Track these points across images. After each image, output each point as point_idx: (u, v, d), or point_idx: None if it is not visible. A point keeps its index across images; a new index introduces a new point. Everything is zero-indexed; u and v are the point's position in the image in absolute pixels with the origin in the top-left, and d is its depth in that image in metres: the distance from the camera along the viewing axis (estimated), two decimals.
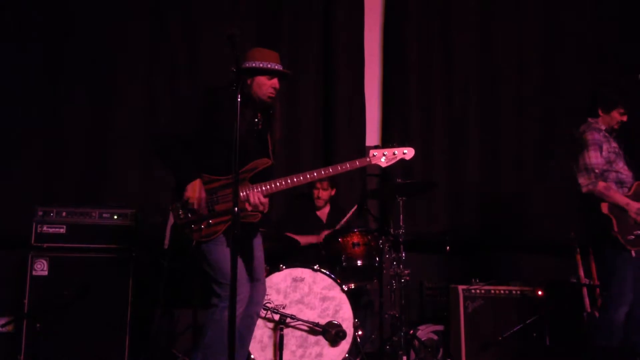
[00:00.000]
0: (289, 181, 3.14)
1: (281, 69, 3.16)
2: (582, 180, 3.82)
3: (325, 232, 4.34)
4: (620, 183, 3.83)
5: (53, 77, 4.79)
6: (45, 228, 4.10)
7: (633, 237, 3.69)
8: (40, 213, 4.12)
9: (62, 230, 4.12)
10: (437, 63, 5.61)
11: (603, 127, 3.90)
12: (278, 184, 3.12)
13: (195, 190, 2.99)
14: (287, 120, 5.11)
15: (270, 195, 3.16)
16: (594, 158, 3.80)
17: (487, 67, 5.67)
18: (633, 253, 3.68)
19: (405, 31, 5.55)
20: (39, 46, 4.78)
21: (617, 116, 3.87)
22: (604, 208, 3.77)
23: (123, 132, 4.86)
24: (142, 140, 4.84)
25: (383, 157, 3.27)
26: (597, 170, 3.78)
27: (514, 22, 5.76)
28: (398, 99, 5.51)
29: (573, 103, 5.53)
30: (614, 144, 3.87)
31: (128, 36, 4.95)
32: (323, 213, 4.69)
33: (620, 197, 3.76)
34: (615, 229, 3.70)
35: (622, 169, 3.83)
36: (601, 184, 3.77)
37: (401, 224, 4.25)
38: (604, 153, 3.81)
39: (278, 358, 3.70)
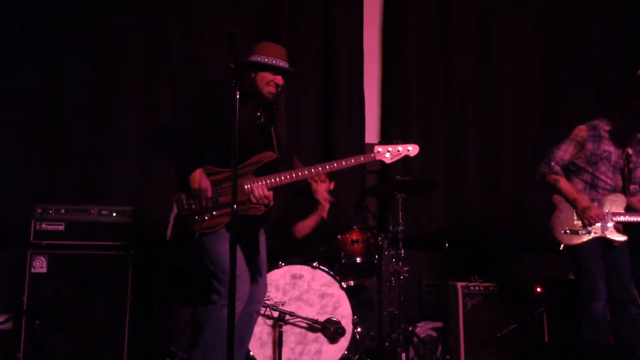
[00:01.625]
0: (293, 175, 3.13)
1: (287, 66, 3.14)
2: (540, 167, 3.84)
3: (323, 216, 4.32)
4: (592, 186, 3.76)
5: (53, 76, 4.79)
6: (44, 225, 4.10)
7: (564, 232, 3.68)
8: (39, 210, 4.11)
9: (61, 228, 4.11)
10: (437, 62, 5.62)
11: (607, 128, 3.79)
12: (282, 177, 3.11)
13: (198, 181, 2.98)
14: (287, 118, 5.11)
15: (274, 189, 3.15)
16: (562, 151, 3.79)
17: (486, 66, 5.69)
18: (561, 247, 3.68)
19: (405, 30, 5.56)
20: (39, 45, 4.78)
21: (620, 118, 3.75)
22: (554, 199, 3.79)
23: (122, 130, 4.86)
24: (141, 139, 4.84)
25: (388, 153, 3.24)
26: (553, 163, 3.77)
27: (513, 22, 5.79)
28: (397, 98, 5.51)
29: (573, 101, 5.56)
30: (606, 147, 3.75)
31: (128, 35, 4.95)
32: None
33: (569, 191, 3.71)
34: (552, 218, 3.72)
35: (602, 175, 3.74)
36: (551, 176, 3.77)
37: (400, 221, 4.26)
38: (585, 152, 3.75)
39: (277, 355, 3.69)
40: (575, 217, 3.70)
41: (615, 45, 5.81)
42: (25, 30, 4.76)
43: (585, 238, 3.68)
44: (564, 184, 3.76)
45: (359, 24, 5.51)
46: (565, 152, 3.79)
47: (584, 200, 3.70)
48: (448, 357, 4.41)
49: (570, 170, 3.82)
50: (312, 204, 4.39)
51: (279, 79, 3.13)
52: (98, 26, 4.89)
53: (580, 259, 3.69)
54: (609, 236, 3.69)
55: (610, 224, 3.69)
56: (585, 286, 3.67)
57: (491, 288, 4.51)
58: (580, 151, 3.78)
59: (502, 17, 5.77)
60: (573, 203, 3.71)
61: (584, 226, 3.68)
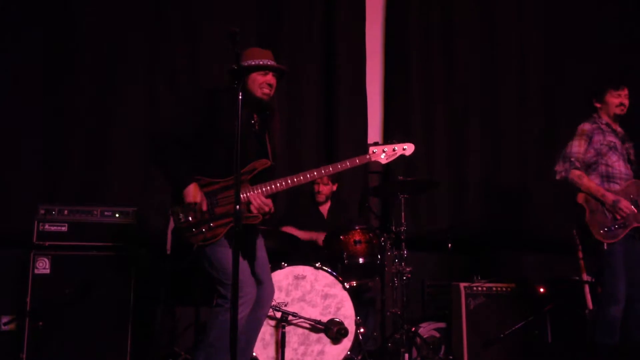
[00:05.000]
0: (289, 181, 3.12)
1: (274, 64, 3.15)
2: (558, 167, 3.84)
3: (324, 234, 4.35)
4: (608, 177, 3.78)
5: (53, 77, 4.79)
6: (47, 226, 4.09)
7: (603, 231, 3.65)
8: (42, 211, 4.11)
9: (64, 229, 4.11)
10: (438, 61, 5.62)
11: (604, 120, 3.87)
12: (278, 184, 3.11)
13: (195, 196, 2.97)
14: (289, 119, 5.12)
15: (272, 195, 3.14)
16: (575, 147, 3.81)
17: (488, 64, 5.69)
18: (605, 246, 3.64)
19: (407, 29, 5.56)
20: (39, 45, 4.77)
21: (613, 100, 3.83)
22: (579, 198, 3.76)
23: (124, 131, 4.85)
24: (142, 139, 4.83)
25: (383, 154, 3.24)
26: (573, 159, 3.77)
27: (515, 20, 5.78)
28: (399, 97, 5.51)
29: (574, 99, 5.55)
30: (611, 138, 3.82)
31: (128, 36, 4.95)
32: (324, 208, 4.68)
33: (595, 187, 3.71)
34: (587, 219, 3.68)
35: (615, 164, 3.78)
36: (574, 172, 3.76)
37: (403, 221, 4.25)
38: (594, 145, 3.79)
39: (280, 356, 3.69)
40: (607, 213, 3.68)
41: (615, 43, 5.79)
42: (25, 30, 4.75)
43: (621, 233, 3.66)
44: (587, 180, 3.75)
45: (361, 22, 5.50)
46: (578, 147, 3.80)
47: (610, 193, 3.70)
48: (451, 357, 4.41)
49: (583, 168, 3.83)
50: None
51: (270, 79, 3.13)
52: (98, 26, 4.88)
53: (607, 258, 3.67)
54: None
55: None
56: (606, 289, 3.68)
57: (494, 288, 4.51)
58: (589, 145, 3.80)
59: (504, 17, 5.76)
60: (601, 198, 3.69)
61: (616, 220, 3.66)
